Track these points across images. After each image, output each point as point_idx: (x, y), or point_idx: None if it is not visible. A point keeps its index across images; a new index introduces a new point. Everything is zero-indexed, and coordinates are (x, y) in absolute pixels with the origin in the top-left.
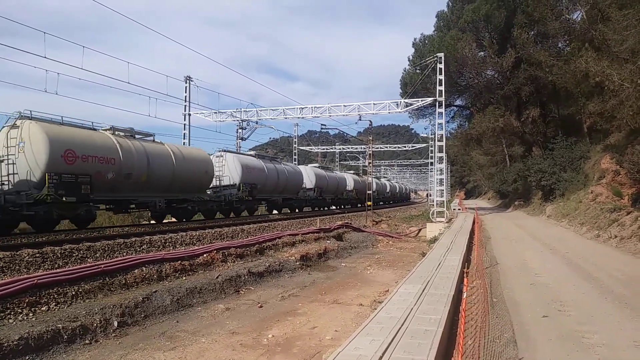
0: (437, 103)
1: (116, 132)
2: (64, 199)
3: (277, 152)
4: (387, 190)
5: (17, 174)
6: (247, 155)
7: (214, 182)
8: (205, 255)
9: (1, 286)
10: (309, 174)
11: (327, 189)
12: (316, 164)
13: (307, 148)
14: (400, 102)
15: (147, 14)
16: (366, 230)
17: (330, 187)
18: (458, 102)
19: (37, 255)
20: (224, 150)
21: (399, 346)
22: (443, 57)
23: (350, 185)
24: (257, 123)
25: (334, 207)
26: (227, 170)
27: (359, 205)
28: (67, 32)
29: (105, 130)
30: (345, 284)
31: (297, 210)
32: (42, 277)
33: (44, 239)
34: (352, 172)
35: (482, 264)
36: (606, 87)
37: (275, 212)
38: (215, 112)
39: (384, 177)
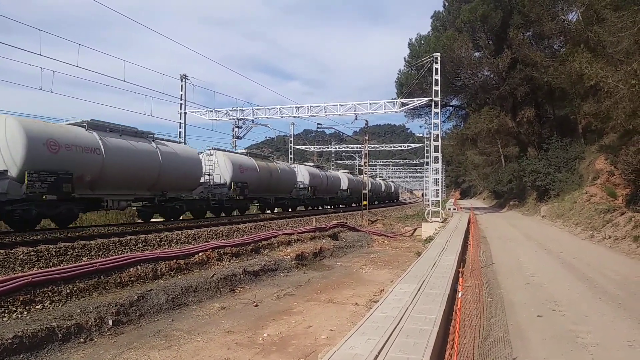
0: (432, 103)
1: (253, 154)
2: (237, 197)
3: (273, 150)
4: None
5: (216, 182)
6: (308, 165)
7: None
8: (200, 254)
9: None
10: (343, 179)
11: (355, 189)
12: (346, 170)
13: (303, 147)
14: (396, 101)
15: (142, 12)
16: (362, 230)
17: (358, 188)
18: (454, 102)
19: (32, 253)
20: (297, 163)
21: (395, 345)
22: (439, 57)
23: (368, 186)
24: (253, 122)
25: (354, 204)
26: (301, 177)
27: (376, 202)
28: (61, 29)
29: (244, 153)
30: (341, 283)
31: (336, 207)
32: (36, 275)
33: (38, 237)
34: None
35: (477, 264)
36: (601, 88)
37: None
38: (211, 111)
39: (379, 177)
